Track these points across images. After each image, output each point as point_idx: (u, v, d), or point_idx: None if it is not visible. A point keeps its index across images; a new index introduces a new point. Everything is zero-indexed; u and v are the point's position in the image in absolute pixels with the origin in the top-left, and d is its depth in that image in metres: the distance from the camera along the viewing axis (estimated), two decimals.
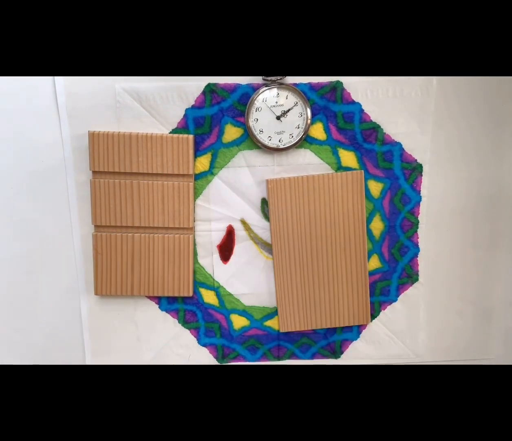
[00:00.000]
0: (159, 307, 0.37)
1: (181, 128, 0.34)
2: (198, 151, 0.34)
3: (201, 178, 0.35)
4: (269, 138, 0.34)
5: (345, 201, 0.35)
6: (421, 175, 0.35)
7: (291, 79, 0.33)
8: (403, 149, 0.35)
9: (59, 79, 0.33)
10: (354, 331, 0.37)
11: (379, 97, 0.34)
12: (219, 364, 0.38)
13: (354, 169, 0.35)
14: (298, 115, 0.33)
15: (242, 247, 0.36)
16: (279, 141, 0.34)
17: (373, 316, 0.37)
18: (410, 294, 0.37)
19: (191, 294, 0.36)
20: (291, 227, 0.35)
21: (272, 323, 0.37)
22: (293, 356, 0.38)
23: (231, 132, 0.34)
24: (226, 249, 0.36)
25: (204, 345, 0.38)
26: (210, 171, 0.35)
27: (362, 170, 0.35)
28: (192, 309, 0.37)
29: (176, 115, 0.34)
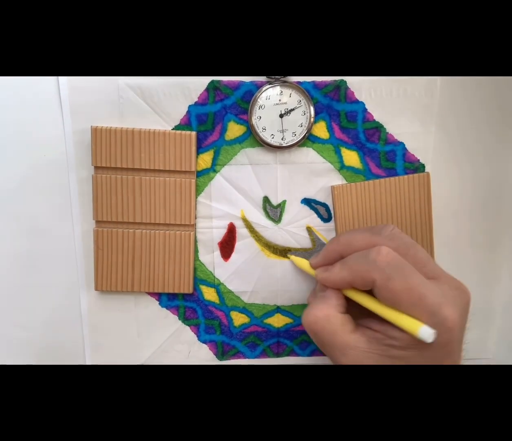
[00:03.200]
0: (160, 304, 0.37)
1: (184, 125, 0.34)
2: (200, 148, 0.34)
3: (203, 176, 0.35)
4: (272, 136, 0.33)
5: (412, 204, 0.35)
6: None
7: (294, 78, 0.33)
8: (406, 149, 0.35)
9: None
10: None
11: (383, 96, 0.34)
12: (218, 362, 0.38)
13: (357, 168, 0.35)
14: (301, 114, 0.33)
15: (243, 244, 0.36)
16: (282, 139, 0.34)
17: None
18: None
19: (191, 291, 0.36)
20: None
21: (272, 321, 0.37)
22: (292, 353, 0.38)
23: (234, 130, 0.34)
24: (227, 246, 0.36)
25: (204, 342, 0.38)
26: (212, 169, 0.35)
27: (429, 172, 0.35)
28: (192, 305, 0.37)
29: (179, 111, 0.34)
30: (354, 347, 0.27)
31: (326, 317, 0.28)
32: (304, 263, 0.34)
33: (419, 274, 0.26)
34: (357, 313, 0.29)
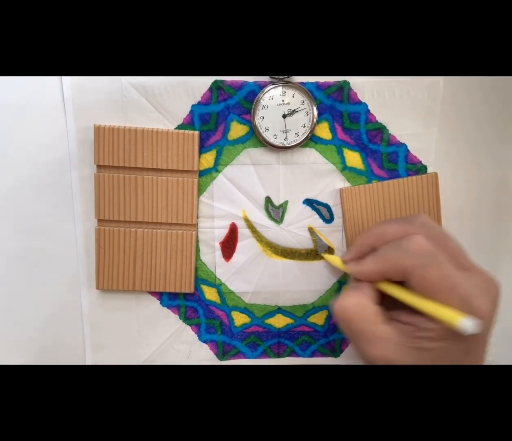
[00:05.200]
0: (161, 303, 0.37)
1: (187, 124, 0.34)
2: (203, 148, 0.34)
3: (205, 175, 0.35)
4: (275, 136, 0.33)
5: (420, 205, 0.35)
6: None
7: (298, 78, 0.33)
8: (408, 150, 0.35)
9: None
10: None
11: (386, 98, 0.34)
12: (219, 362, 0.38)
13: (359, 169, 0.35)
14: (304, 114, 0.33)
15: (245, 244, 0.36)
16: (285, 139, 0.34)
17: None
18: None
19: (192, 290, 0.36)
20: None
21: (273, 321, 0.37)
22: (293, 353, 0.38)
23: (237, 130, 0.34)
24: (228, 247, 0.36)
25: (204, 342, 0.38)
26: (215, 168, 0.35)
27: (437, 172, 0.35)
28: (193, 305, 0.37)
29: (182, 111, 0.34)
30: (385, 339, 0.27)
31: (360, 304, 0.28)
32: (336, 260, 0.34)
33: (451, 264, 0.26)
34: (387, 307, 0.29)
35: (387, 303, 0.30)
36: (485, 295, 0.26)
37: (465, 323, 0.24)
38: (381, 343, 0.27)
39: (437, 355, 0.26)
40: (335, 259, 0.34)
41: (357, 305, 0.28)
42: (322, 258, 0.36)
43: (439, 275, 0.26)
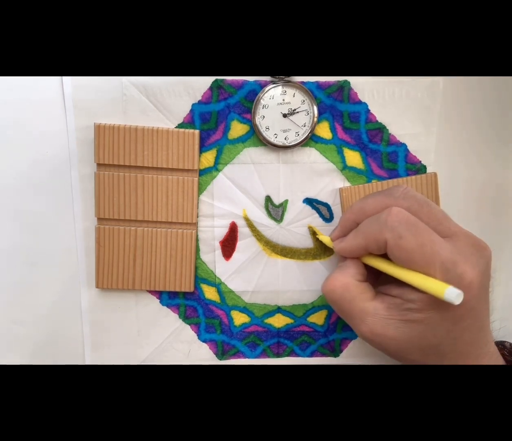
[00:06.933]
0: (160, 302, 0.37)
1: (187, 123, 0.34)
2: (203, 147, 0.34)
3: (206, 174, 0.35)
4: (275, 136, 0.34)
5: None
6: None
7: (298, 78, 0.33)
8: (408, 150, 0.35)
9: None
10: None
11: (386, 98, 0.34)
12: (218, 361, 0.38)
13: (359, 169, 0.35)
14: (305, 114, 0.33)
15: (245, 243, 0.36)
16: (285, 139, 0.34)
17: None
18: None
19: (192, 289, 0.36)
20: None
21: (272, 321, 0.37)
22: (292, 353, 0.38)
23: (237, 129, 0.34)
24: (228, 246, 0.36)
25: (204, 341, 0.37)
26: (215, 167, 0.35)
27: (436, 172, 0.35)
28: (193, 304, 0.37)
29: (182, 110, 0.34)
30: (373, 314, 0.27)
31: (344, 285, 0.28)
32: (327, 240, 0.34)
33: (432, 231, 0.26)
34: (376, 281, 0.29)
35: (376, 277, 0.30)
36: (471, 261, 0.25)
37: (451, 293, 0.23)
38: (370, 319, 0.27)
39: (425, 326, 0.26)
40: (327, 239, 0.34)
41: (342, 286, 0.28)
42: (321, 257, 0.36)
43: (417, 244, 0.25)
